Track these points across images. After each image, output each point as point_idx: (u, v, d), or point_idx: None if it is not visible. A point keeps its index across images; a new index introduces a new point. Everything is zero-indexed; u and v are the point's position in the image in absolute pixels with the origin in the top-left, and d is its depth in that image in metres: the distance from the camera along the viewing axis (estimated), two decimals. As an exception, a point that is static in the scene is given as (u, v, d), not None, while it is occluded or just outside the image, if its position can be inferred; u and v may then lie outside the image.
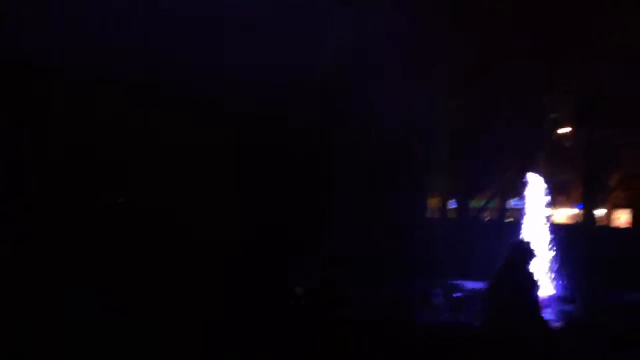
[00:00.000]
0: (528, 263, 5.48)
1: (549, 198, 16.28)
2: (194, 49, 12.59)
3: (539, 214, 15.73)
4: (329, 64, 14.10)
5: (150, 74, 12.22)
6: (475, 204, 34.23)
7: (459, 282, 12.81)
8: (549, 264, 15.03)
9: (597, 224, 36.98)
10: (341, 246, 12.06)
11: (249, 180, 12.49)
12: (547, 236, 15.34)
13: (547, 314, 12.23)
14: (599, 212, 39.68)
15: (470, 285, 12.86)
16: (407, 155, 15.35)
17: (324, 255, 11.25)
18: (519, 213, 18.38)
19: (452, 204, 33.81)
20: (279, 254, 11.07)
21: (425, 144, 22.95)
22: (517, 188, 29.57)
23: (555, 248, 15.12)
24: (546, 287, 14.75)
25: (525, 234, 15.14)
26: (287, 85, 13.10)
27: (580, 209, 37.96)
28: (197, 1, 12.78)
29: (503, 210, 34.05)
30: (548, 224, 15.63)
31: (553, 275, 14.91)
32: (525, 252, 5.57)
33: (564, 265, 14.74)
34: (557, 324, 11.38)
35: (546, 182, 17.85)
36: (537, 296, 5.51)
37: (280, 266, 10.65)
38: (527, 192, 16.21)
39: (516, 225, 15.79)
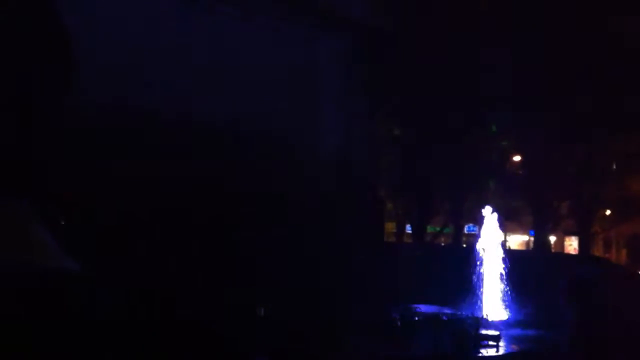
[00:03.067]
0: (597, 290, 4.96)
1: (502, 225, 16.70)
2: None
3: (494, 240, 16.12)
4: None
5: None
6: (431, 229, 34.66)
7: (416, 306, 13.01)
8: (506, 289, 15.46)
9: (550, 250, 37.81)
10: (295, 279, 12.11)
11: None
12: (504, 262, 15.81)
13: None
14: (551, 239, 40.56)
15: (427, 309, 13.09)
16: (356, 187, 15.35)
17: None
18: (474, 239, 18.78)
19: (408, 229, 34.20)
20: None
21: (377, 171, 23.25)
22: (472, 214, 30.17)
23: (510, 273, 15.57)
24: (503, 311, 15.15)
25: (484, 260, 15.66)
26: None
27: (532, 235, 38.73)
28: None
29: (458, 236, 34.56)
30: (503, 252, 16.08)
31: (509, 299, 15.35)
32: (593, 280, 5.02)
33: (520, 290, 15.14)
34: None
35: (499, 208, 18.34)
36: None
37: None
38: (482, 218, 16.61)
39: (471, 251, 16.14)
